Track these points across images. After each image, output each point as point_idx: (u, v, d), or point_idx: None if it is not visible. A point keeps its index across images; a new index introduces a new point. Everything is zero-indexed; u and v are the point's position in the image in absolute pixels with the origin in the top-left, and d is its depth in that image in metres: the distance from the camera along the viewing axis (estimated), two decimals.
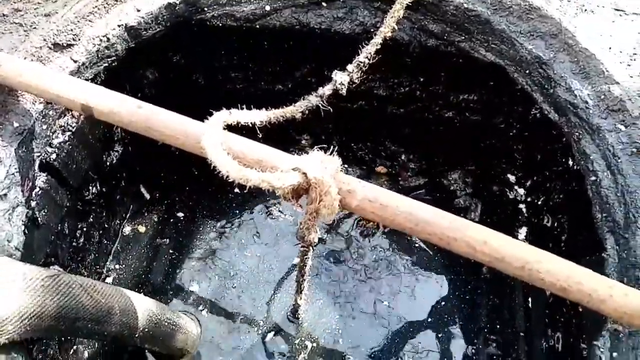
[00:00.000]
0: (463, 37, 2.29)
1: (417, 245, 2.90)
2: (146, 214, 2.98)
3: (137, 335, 1.88)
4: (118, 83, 2.27)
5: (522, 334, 2.50)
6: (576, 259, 1.33)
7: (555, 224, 2.41)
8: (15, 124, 1.76)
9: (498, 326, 2.61)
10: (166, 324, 2.09)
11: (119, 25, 2.10)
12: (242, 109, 1.57)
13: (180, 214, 3.01)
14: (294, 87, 2.80)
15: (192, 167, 3.10)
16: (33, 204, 1.87)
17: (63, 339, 2.36)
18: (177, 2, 2.25)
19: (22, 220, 1.74)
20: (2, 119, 1.75)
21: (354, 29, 2.39)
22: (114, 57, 2.16)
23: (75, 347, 2.48)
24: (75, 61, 1.97)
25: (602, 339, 1.64)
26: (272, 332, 2.57)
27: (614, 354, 1.58)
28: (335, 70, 1.98)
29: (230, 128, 1.53)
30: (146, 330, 1.91)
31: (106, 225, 2.71)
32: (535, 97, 2.20)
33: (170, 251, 2.87)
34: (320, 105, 1.91)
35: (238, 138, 1.52)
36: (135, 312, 1.84)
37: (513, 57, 2.20)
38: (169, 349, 2.24)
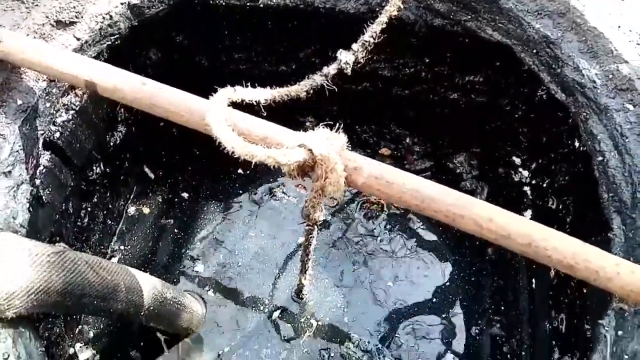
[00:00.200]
0: (469, 17, 2.27)
1: (421, 226, 2.90)
2: (150, 195, 2.98)
3: (142, 313, 1.90)
4: (121, 63, 2.24)
5: (526, 315, 2.50)
6: (582, 240, 1.32)
7: (561, 206, 2.41)
8: (19, 102, 1.75)
9: (502, 307, 2.62)
10: (171, 302, 2.10)
11: (122, 3, 2.08)
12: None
13: (185, 194, 3.01)
14: (297, 68, 2.78)
15: (193, 147, 3.09)
16: (37, 182, 1.87)
17: (69, 317, 2.38)
18: None
19: (27, 198, 1.74)
20: (6, 96, 1.74)
21: (358, 8, 2.36)
22: (117, 36, 2.15)
23: (80, 326, 2.50)
24: (78, 39, 1.96)
25: (607, 318, 1.64)
26: (277, 312, 2.58)
27: (619, 332, 1.58)
28: (340, 50, 1.96)
29: (234, 107, 1.52)
30: (151, 308, 1.92)
31: (110, 206, 2.71)
32: (542, 77, 2.18)
33: (175, 231, 2.87)
34: (325, 84, 1.89)
35: (243, 115, 1.51)
36: (141, 290, 1.84)
37: (520, 37, 2.17)
38: (174, 327, 2.26)
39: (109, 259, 2.73)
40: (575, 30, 2.03)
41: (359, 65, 2.01)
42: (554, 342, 2.22)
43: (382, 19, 2.05)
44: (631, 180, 1.76)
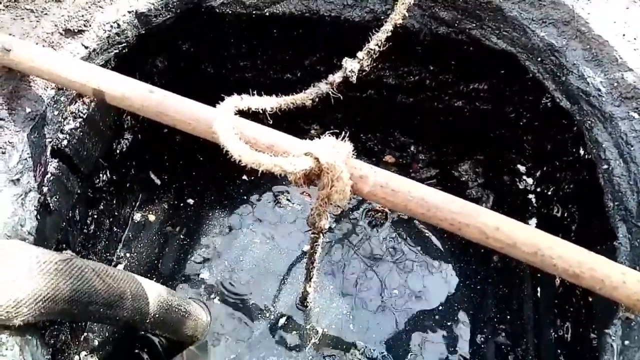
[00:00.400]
0: (474, 25, 2.28)
1: (426, 234, 2.90)
2: (156, 201, 2.99)
3: (148, 321, 1.90)
4: (128, 71, 2.26)
5: (531, 323, 2.50)
6: (587, 249, 1.32)
7: (566, 214, 2.40)
8: (28, 109, 1.77)
9: (507, 316, 2.61)
10: (176, 310, 2.10)
11: (129, 12, 2.10)
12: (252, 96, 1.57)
13: (190, 200, 3.02)
14: (303, 76, 2.79)
15: (198, 154, 3.11)
16: (45, 189, 1.89)
17: (74, 325, 2.39)
18: None
19: (35, 206, 1.75)
20: (15, 104, 1.75)
21: (364, 17, 2.38)
22: (125, 44, 2.16)
23: (85, 334, 2.50)
24: (86, 47, 1.97)
25: (614, 327, 1.63)
26: (282, 319, 2.58)
27: (626, 342, 1.57)
28: (346, 58, 1.97)
29: (240, 116, 1.53)
30: (157, 315, 1.93)
31: (116, 213, 2.73)
32: (547, 85, 2.18)
33: (180, 238, 2.88)
34: (330, 92, 1.90)
35: (249, 123, 1.52)
36: (147, 298, 1.85)
37: (525, 45, 2.18)
38: (179, 335, 2.26)
39: (115, 266, 2.73)
40: (580, 38, 2.03)
41: (364, 73, 2.02)
42: (559, 351, 2.21)
43: (387, 27, 2.06)
44: (637, 188, 1.76)
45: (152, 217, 2.93)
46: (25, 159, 1.73)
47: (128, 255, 2.80)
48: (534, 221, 2.70)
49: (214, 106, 1.51)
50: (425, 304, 2.67)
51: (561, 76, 2.08)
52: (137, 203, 2.97)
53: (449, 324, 2.61)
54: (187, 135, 1.58)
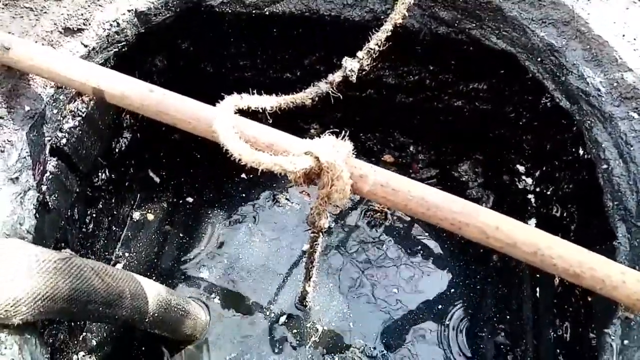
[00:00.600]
0: (474, 25, 2.28)
1: (425, 234, 2.90)
2: (155, 200, 2.99)
3: (147, 320, 1.90)
4: (128, 69, 2.26)
5: (530, 323, 2.50)
6: (587, 248, 1.32)
7: (565, 214, 2.41)
8: (27, 108, 1.76)
9: (507, 316, 2.61)
10: (175, 309, 2.10)
11: (129, 10, 2.10)
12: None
13: (189, 199, 3.02)
14: (302, 75, 2.79)
15: (196, 152, 3.11)
16: (44, 188, 1.88)
17: (73, 324, 2.38)
18: None
19: (34, 204, 1.75)
20: (14, 102, 1.75)
21: (364, 16, 2.37)
22: (124, 43, 2.16)
23: (84, 334, 2.50)
24: (85, 46, 1.97)
25: (613, 327, 1.63)
26: (282, 318, 2.58)
27: (625, 341, 1.57)
28: (345, 57, 1.97)
29: (240, 115, 1.53)
30: (156, 315, 1.92)
31: (115, 212, 2.72)
32: (547, 85, 2.18)
33: (179, 237, 2.88)
34: (330, 92, 1.90)
35: (249, 122, 1.52)
36: (146, 297, 1.84)
37: (524, 45, 2.18)
38: (178, 334, 2.26)
39: (114, 265, 2.73)
40: (580, 38, 2.03)
41: (363, 73, 2.02)
42: (558, 351, 2.22)
43: (387, 26, 2.06)
44: (636, 188, 1.76)
45: (151, 216, 2.92)
46: (24, 157, 1.73)
47: (127, 254, 2.79)
48: (533, 221, 2.70)
49: (214, 105, 1.51)
50: (424, 303, 2.67)
51: (561, 76, 2.08)
52: (136, 202, 2.96)
53: (448, 323, 2.61)
54: (185, 133, 1.58)
